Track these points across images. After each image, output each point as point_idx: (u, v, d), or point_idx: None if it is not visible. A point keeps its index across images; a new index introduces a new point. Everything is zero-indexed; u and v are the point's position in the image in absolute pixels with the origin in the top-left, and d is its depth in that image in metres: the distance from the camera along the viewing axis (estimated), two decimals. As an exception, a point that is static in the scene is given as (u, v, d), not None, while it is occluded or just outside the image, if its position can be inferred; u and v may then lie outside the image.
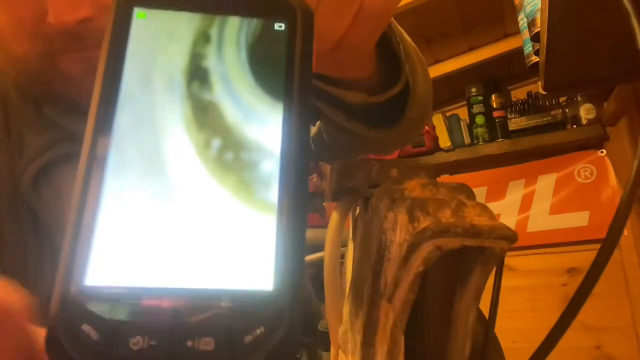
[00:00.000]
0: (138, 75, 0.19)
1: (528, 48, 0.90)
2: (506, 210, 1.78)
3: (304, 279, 0.59)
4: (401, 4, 1.25)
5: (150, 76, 0.19)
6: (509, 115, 1.78)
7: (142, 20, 0.19)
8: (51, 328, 0.16)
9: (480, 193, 1.81)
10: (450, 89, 1.95)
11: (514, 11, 0.94)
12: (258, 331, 0.16)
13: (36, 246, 0.43)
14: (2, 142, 0.43)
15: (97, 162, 0.17)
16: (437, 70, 1.74)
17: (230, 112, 0.19)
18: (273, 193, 0.18)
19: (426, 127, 1.88)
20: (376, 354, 0.24)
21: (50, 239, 0.42)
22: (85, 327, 0.15)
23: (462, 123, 1.89)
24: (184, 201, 0.18)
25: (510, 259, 1.78)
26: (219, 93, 0.19)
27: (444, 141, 1.86)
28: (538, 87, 1.81)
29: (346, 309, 0.29)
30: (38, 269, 0.43)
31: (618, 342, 1.52)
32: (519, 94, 1.91)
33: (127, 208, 0.17)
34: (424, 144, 1.87)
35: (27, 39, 0.38)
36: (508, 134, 1.78)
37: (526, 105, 1.77)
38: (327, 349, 0.48)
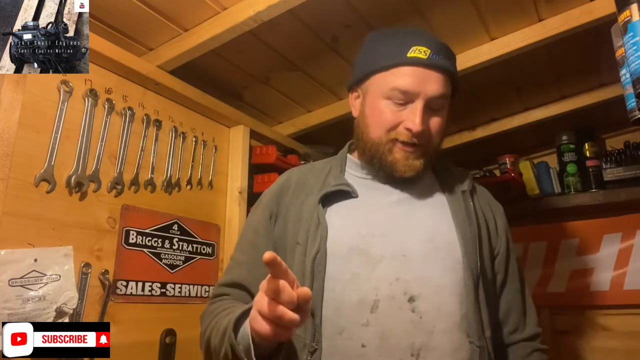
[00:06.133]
0: None
1: (632, 103, 0.89)
2: (600, 265, 1.68)
3: None
4: (491, 56, 1.27)
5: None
6: (604, 165, 1.71)
7: None
8: None
9: (571, 245, 1.73)
10: (539, 136, 1.91)
11: (610, 62, 0.94)
12: None
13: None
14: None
15: None
16: (525, 118, 1.71)
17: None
18: None
19: (512, 174, 1.83)
20: None
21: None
22: None
23: (552, 171, 1.83)
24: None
25: (604, 318, 1.67)
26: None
27: (532, 189, 1.80)
28: (636, 136, 1.72)
29: None
30: None
31: None
32: (614, 143, 1.83)
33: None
34: (510, 191, 1.82)
35: None
36: (603, 185, 1.70)
37: (623, 156, 1.69)
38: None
